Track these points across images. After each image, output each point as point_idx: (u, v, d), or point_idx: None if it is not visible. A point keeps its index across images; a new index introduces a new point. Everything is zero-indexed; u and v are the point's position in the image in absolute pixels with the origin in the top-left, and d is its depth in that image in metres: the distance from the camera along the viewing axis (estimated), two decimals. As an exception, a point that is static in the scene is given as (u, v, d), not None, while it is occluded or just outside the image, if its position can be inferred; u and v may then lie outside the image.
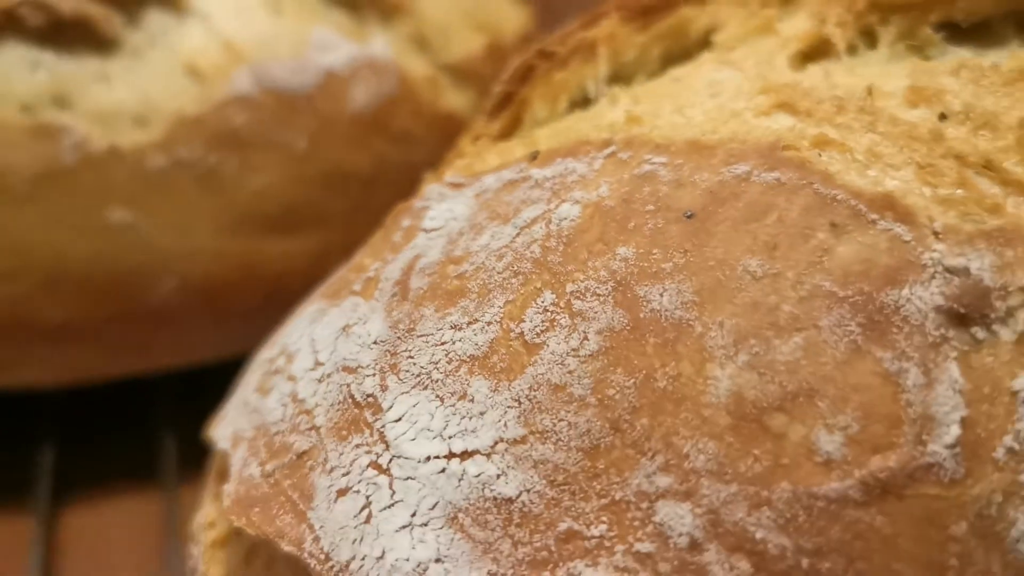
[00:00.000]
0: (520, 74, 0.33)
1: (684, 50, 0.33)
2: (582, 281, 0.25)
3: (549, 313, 0.24)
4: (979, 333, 0.22)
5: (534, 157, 0.29)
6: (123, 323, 0.43)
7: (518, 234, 0.26)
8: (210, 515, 0.28)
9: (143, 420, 0.48)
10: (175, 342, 0.44)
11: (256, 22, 0.43)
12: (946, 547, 0.21)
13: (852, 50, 0.29)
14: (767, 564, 0.21)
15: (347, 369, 0.26)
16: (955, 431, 0.21)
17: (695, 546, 0.21)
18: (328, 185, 0.44)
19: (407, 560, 0.22)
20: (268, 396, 0.27)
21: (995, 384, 0.22)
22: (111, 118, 0.40)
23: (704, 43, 0.32)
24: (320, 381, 0.26)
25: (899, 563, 0.21)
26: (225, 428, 0.28)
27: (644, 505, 0.22)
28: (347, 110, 0.44)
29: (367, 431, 0.25)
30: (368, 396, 0.25)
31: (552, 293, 0.25)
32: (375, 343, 0.26)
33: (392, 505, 0.23)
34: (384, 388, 0.25)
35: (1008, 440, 0.21)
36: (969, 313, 0.22)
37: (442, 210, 0.29)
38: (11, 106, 0.39)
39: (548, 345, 0.24)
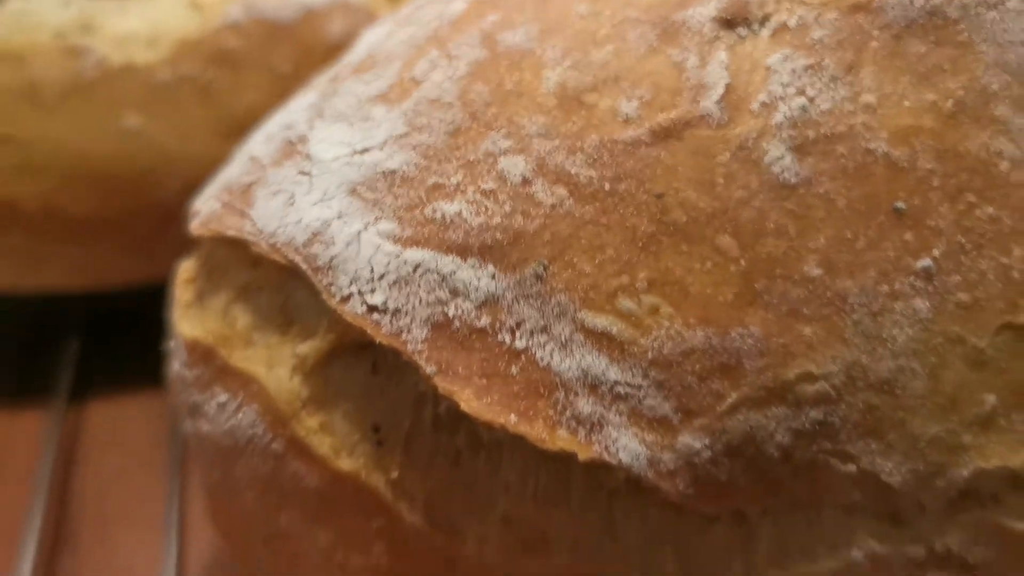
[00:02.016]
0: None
1: None
2: (459, 39, 0.32)
3: (433, 62, 0.32)
4: (742, 32, 0.29)
5: (439, -13, 0.37)
6: (136, 220, 0.50)
7: (418, 29, 0.34)
8: (186, 269, 0.35)
9: (163, 326, 0.55)
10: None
11: (249, -26, 0.52)
12: (714, 170, 0.27)
13: None
14: (579, 189, 0.28)
15: (287, 126, 0.33)
16: (720, 91, 0.28)
17: (526, 182, 0.28)
18: (309, 103, 0.52)
19: (316, 220, 0.29)
20: (231, 166, 0.35)
21: (754, 62, 0.29)
22: (127, 41, 0.49)
23: None
24: (268, 142, 0.34)
25: (678, 182, 0.27)
26: (200, 201, 0.35)
27: (490, 161, 0.29)
28: (324, 41, 0.52)
29: (297, 156, 0.32)
30: (300, 136, 0.32)
31: (437, 50, 0.32)
32: (308, 107, 0.34)
33: (310, 191, 0.30)
34: (312, 127, 0.32)
35: (762, 97, 0.28)
36: (735, 19, 0.29)
37: (367, 35, 0.37)
38: (46, 33, 0.49)
39: (430, 78, 0.31)
